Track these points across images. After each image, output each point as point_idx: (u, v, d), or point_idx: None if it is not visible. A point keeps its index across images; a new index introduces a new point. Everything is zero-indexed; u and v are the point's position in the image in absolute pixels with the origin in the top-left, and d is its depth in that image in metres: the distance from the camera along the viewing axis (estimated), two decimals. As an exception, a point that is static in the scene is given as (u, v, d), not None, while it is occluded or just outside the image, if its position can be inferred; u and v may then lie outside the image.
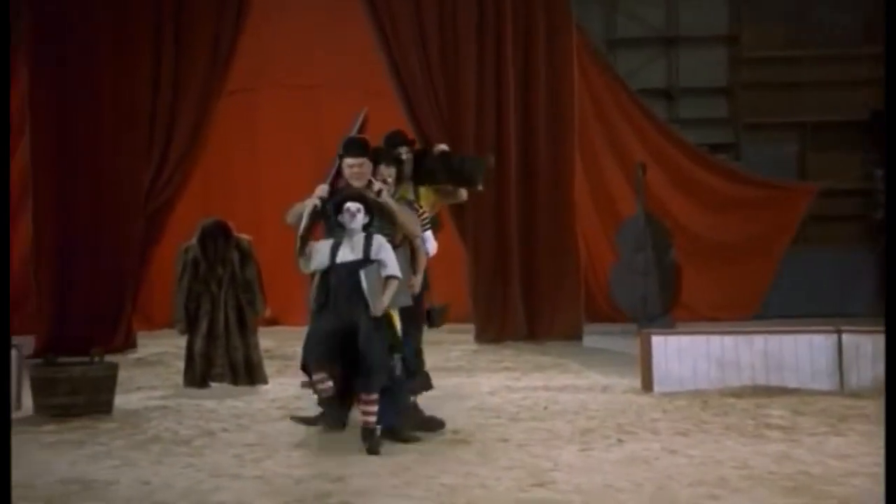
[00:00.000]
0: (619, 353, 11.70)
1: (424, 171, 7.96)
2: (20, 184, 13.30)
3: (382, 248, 7.09)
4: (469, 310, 13.42)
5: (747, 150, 16.15)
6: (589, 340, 13.17)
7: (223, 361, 9.63)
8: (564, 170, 13.60)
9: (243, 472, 6.58)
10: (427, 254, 7.68)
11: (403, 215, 7.37)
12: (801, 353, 9.14)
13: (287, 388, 9.72)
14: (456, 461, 6.71)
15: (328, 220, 7.22)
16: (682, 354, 9.23)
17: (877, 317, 13.23)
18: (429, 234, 7.80)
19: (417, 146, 8.45)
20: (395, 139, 7.99)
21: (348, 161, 7.35)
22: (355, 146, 7.43)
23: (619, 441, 7.29)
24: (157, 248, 12.99)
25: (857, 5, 15.74)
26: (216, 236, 9.72)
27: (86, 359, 8.70)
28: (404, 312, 7.35)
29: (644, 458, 6.74)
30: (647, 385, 9.25)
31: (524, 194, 13.48)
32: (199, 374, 9.66)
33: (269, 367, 10.19)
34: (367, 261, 7.03)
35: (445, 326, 8.33)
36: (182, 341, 9.95)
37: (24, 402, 8.86)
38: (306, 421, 7.85)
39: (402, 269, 7.18)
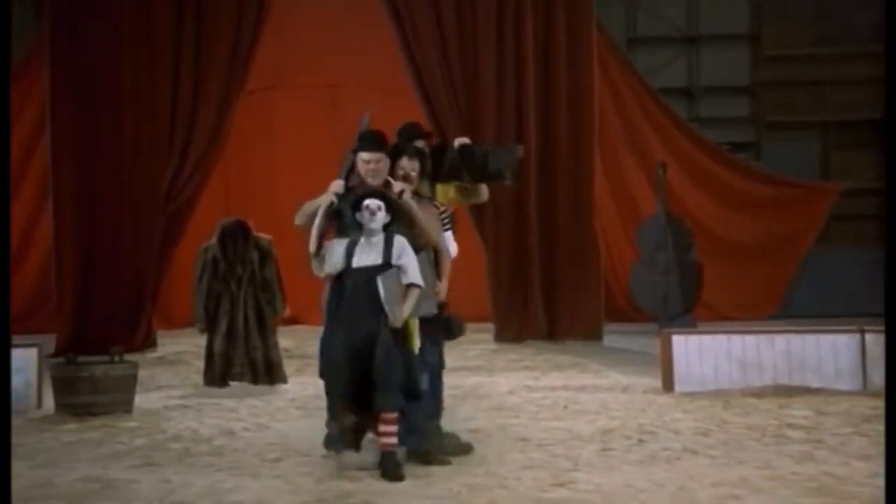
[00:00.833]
0: (639, 352, 11.65)
1: (446, 169, 7.14)
2: (40, 183, 13.36)
3: (405, 251, 6.39)
4: (488, 309, 13.40)
5: (768, 149, 16.08)
6: (609, 340, 13.13)
7: (243, 361, 9.63)
8: (585, 169, 13.58)
9: (263, 471, 6.57)
10: (449, 256, 6.98)
11: (425, 220, 6.66)
12: (824, 352, 9.08)
13: (307, 387, 9.71)
14: (476, 461, 6.68)
15: (342, 219, 6.56)
16: (703, 354, 9.18)
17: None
18: (449, 234, 7.12)
19: (435, 140, 7.87)
20: (411, 132, 7.18)
21: (364, 156, 6.65)
22: (371, 140, 6.73)
23: (640, 441, 7.25)
24: (177, 248, 13.02)
25: (878, 2, 15.64)
26: (236, 236, 9.72)
27: (106, 358, 8.72)
28: (429, 322, 6.66)
29: (665, 458, 6.70)
30: (668, 385, 9.20)
31: (544, 193, 13.46)
32: (218, 374, 9.66)
33: (288, 366, 10.19)
34: (386, 265, 6.35)
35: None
36: (202, 340, 9.96)
37: (45, 400, 8.88)
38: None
39: (424, 274, 6.48)
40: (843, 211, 15.40)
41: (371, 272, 6.33)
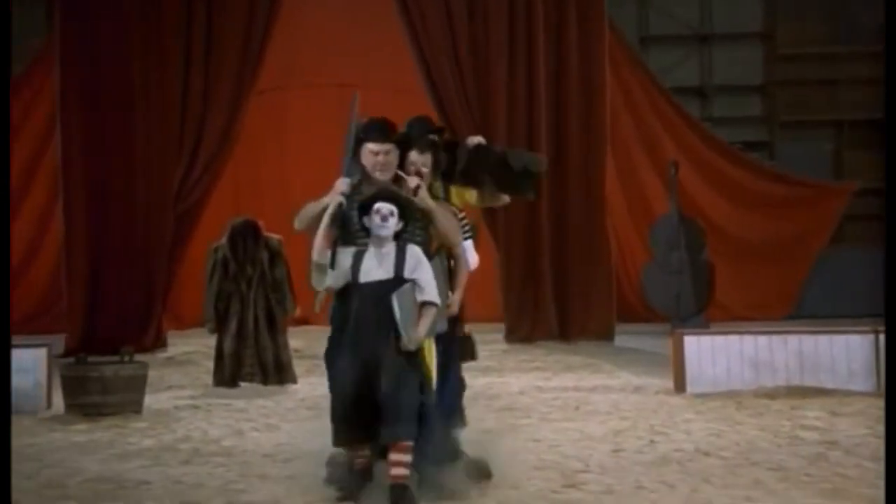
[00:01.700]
0: (651, 353, 11.60)
1: (462, 170, 6.27)
2: (51, 184, 13.37)
3: (420, 264, 5.58)
4: (499, 309, 13.37)
5: (782, 148, 16.01)
6: (621, 340, 13.08)
7: (253, 361, 9.62)
8: (596, 168, 13.54)
9: (273, 471, 6.55)
10: (468, 267, 6.12)
11: (445, 220, 5.85)
12: (838, 353, 9.02)
13: (316, 387, 9.66)
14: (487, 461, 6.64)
15: (348, 224, 5.69)
16: (715, 354, 9.13)
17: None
18: (469, 243, 6.23)
19: (447, 135, 7.10)
20: (421, 127, 6.25)
21: (372, 147, 5.82)
22: (380, 128, 5.88)
23: (652, 442, 7.20)
24: (187, 248, 13.02)
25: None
26: (246, 236, 9.71)
27: (116, 358, 8.71)
28: (443, 339, 5.87)
29: (677, 459, 6.65)
30: (680, 385, 9.15)
31: (556, 192, 13.42)
32: (228, 374, 9.65)
33: (298, 366, 10.17)
34: (398, 280, 5.53)
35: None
36: (212, 341, 9.96)
37: (55, 401, 8.87)
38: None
39: (437, 284, 5.67)
40: (857, 211, 15.31)
41: (381, 288, 5.50)
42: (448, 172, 6.24)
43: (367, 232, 5.61)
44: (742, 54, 16.14)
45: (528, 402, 8.90)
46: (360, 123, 5.99)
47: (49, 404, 8.88)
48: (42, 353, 8.96)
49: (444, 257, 5.95)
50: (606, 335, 13.14)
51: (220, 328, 9.71)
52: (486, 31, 13.39)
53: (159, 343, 12.84)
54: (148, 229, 12.98)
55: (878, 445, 6.99)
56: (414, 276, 5.56)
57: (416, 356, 5.55)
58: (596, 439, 7.33)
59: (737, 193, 15.14)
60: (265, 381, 9.66)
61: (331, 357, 5.77)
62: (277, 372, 9.69)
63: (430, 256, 5.73)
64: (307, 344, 12.11)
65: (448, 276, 5.99)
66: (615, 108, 14.08)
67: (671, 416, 8.11)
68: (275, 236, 9.84)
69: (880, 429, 7.52)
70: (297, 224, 5.91)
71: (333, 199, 5.73)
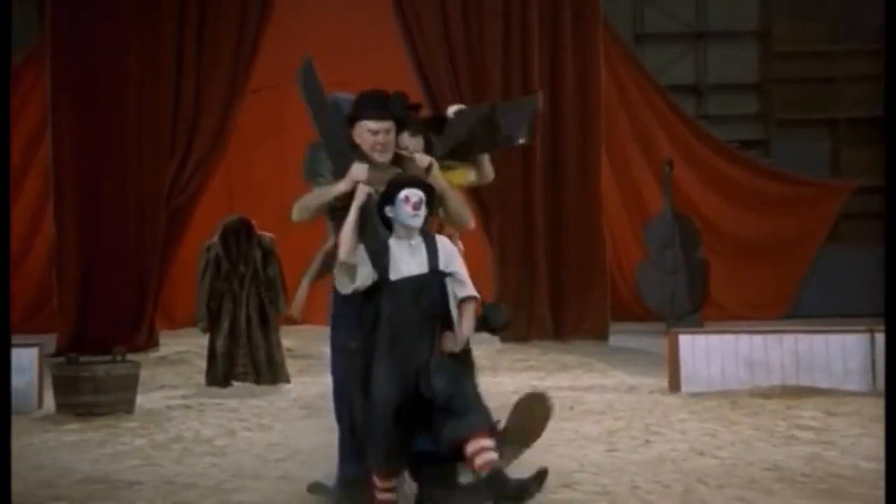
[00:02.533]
0: (646, 352, 11.57)
1: (455, 146, 5.65)
2: (42, 183, 13.32)
3: (453, 256, 5.06)
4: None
5: (778, 146, 15.98)
6: (616, 339, 13.05)
7: (245, 360, 9.59)
8: (591, 166, 13.50)
9: (266, 472, 6.52)
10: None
11: (457, 200, 5.39)
12: (833, 352, 8.99)
13: (310, 387, 9.66)
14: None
15: (367, 217, 5.01)
16: (710, 354, 9.09)
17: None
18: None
19: (424, 111, 6.45)
20: (402, 105, 5.50)
21: (371, 125, 5.15)
22: (379, 103, 5.21)
23: (647, 442, 7.17)
24: (179, 247, 12.98)
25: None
26: (239, 234, 9.68)
27: (108, 358, 8.67)
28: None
29: (672, 458, 6.62)
30: (675, 385, 9.11)
31: (551, 190, 13.39)
32: (221, 374, 9.61)
33: (291, 366, 10.15)
34: (435, 274, 4.97)
35: None
36: (204, 340, 9.93)
37: (46, 400, 8.83)
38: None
39: None
40: (854, 209, 15.29)
41: (419, 285, 4.93)
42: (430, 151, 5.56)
43: (388, 226, 5.01)
44: (738, 52, 16.09)
45: (522, 402, 8.85)
46: (343, 97, 5.50)
47: (40, 404, 8.84)
48: (33, 352, 8.92)
49: (457, 241, 5.43)
50: (601, 334, 13.10)
51: (212, 327, 9.67)
52: (481, 30, 13.34)
53: (151, 342, 12.79)
54: (139, 229, 12.93)
55: (874, 445, 6.96)
56: (451, 270, 5.02)
57: (466, 356, 5.11)
58: (591, 439, 7.30)
59: (733, 191, 15.11)
60: (258, 381, 9.62)
61: (350, 365, 5.07)
62: (270, 371, 9.66)
63: None
64: (300, 343, 12.07)
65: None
66: (610, 106, 14.04)
67: (666, 416, 8.08)
68: (267, 235, 9.81)
69: (876, 428, 7.49)
70: (298, 214, 5.22)
71: (360, 189, 4.98)
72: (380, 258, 4.94)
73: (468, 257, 6.84)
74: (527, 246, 13.37)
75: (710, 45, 16.20)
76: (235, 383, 9.63)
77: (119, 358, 8.66)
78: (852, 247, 15.24)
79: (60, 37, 12.99)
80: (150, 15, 13.03)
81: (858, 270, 14.94)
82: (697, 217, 14.20)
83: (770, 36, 16.04)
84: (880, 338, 8.95)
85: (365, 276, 4.93)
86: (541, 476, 4.81)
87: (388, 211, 4.98)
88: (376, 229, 5.00)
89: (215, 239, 9.70)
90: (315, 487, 5.79)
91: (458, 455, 4.85)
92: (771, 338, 9.16)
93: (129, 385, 8.62)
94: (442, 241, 5.08)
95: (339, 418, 5.52)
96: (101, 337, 11.98)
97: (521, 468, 5.17)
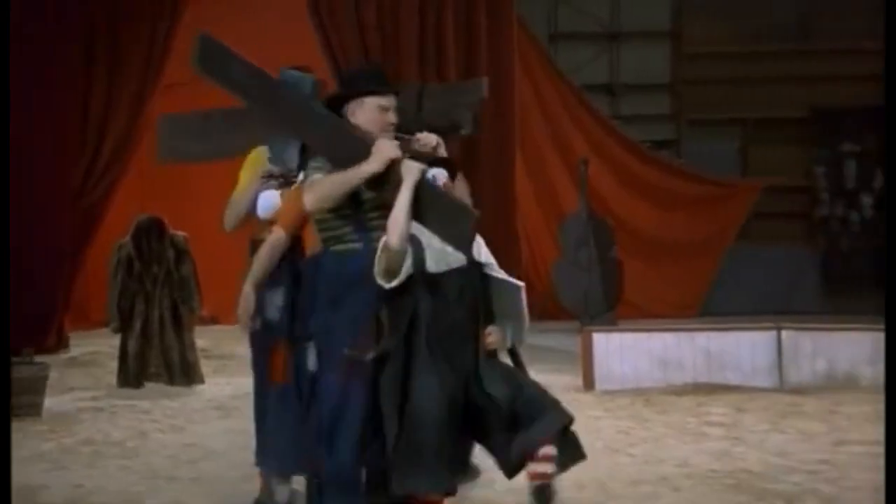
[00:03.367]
0: (560, 350, 11.63)
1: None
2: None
3: (480, 244, 4.51)
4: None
5: (689, 146, 16.20)
6: (531, 337, 13.01)
7: (158, 361, 9.46)
8: (506, 166, 13.53)
9: (179, 473, 6.45)
10: None
11: (462, 183, 4.86)
12: (743, 350, 9.13)
13: (224, 387, 9.57)
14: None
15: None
16: (624, 352, 9.19)
17: (819, 314, 13.41)
18: None
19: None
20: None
21: (381, 102, 4.54)
22: (383, 77, 4.64)
23: (560, 440, 7.20)
24: (92, 246, 12.75)
25: (800, 2, 15.84)
26: (151, 233, 9.55)
27: (16, 360, 8.49)
28: None
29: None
30: (589, 383, 9.19)
31: (466, 191, 13.39)
32: (133, 374, 9.48)
33: (205, 366, 10.03)
34: (473, 265, 4.41)
35: None
36: (116, 340, 9.77)
37: (-49, 404, 8.62)
38: None
39: None
40: (763, 209, 15.55)
41: (461, 279, 4.35)
42: None
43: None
44: (651, 53, 16.29)
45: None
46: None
47: (-55, 407, 8.62)
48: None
49: None
50: (517, 333, 13.14)
51: (124, 327, 9.53)
52: (396, 28, 13.31)
53: (61, 344, 12.53)
54: (48, 228, 12.66)
55: (781, 440, 7.10)
56: (483, 258, 4.45)
57: (514, 353, 4.67)
58: (505, 438, 7.31)
59: (646, 191, 15.28)
60: (171, 382, 9.50)
61: (379, 375, 4.31)
62: (183, 372, 9.54)
63: None
64: (214, 343, 11.95)
65: None
66: (525, 106, 14.11)
67: (580, 414, 8.10)
68: (180, 234, 9.69)
69: (783, 424, 7.65)
70: (317, 204, 4.43)
71: (409, 165, 4.35)
72: (419, 247, 4.32)
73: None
74: (443, 246, 13.37)
75: (624, 46, 16.37)
76: (148, 384, 9.49)
77: (27, 360, 8.48)
78: (761, 246, 15.51)
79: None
80: (58, 11, 12.77)
81: (765, 269, 15.22)
82: (611, 216, 14.35)
83: (681, 37, 16.26)
84: (787, 335, 9.14)
85: (407, 267, 4.27)
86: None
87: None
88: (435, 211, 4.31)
89: (127, 238, 9.56)
90: None
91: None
92: (683, 336, 9.28)
93: (37, 388, 8.45)
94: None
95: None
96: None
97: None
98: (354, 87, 4.56)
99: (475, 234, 4.38)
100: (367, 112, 4.53)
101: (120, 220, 11.36)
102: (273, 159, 5.14)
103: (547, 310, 14.33)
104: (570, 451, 4.58)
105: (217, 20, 14.52)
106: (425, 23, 13.31)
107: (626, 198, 15.22)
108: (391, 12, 13.24)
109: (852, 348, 9.02)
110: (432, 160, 4.50)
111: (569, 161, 14.61)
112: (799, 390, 8.81)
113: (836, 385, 8.87)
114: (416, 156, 4.49)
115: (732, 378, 9.08)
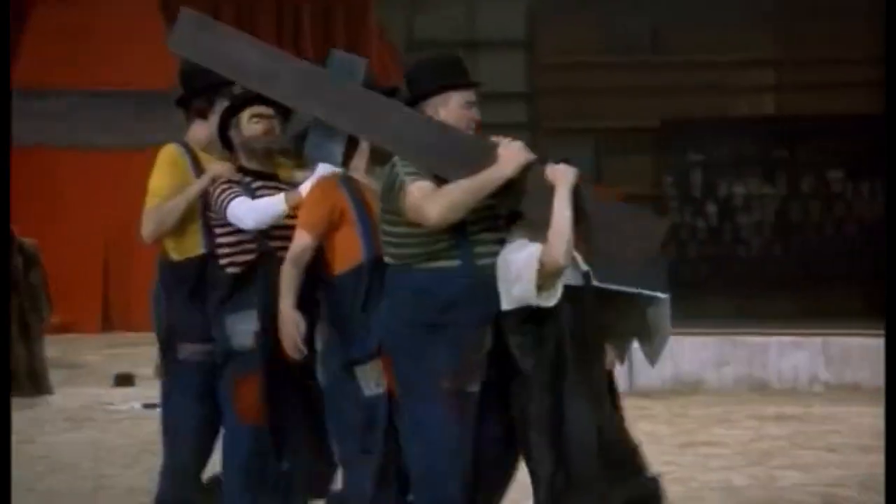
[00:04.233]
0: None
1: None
2: None
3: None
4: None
5: (546, 155, 16.44)
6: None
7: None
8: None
9: (30, 486, 6.29)
10: None
11: None
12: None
13: (74, 398, 9.36)
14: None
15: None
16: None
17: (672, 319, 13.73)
18: None
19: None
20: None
21: (468, 97, 4.14)
22: (463, 66, 4.19)
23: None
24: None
25: (653, 14, 16.22)
26: (-3, 240, 9.28)
27: None
28: None
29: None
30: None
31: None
32: (-25, 384, 9.20)
33: (55, 375, 9.78)
34: (587, 276, 4.09)
35: None
36: (-40, 350, 9.47)
37: None
38: None
39: None
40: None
41: (594, 289, 4.07)
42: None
43: None
44: (506, 61, 16.49)
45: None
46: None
47: None
48: None
49: None
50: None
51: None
52: (253, 28, 13.19)
53: None
54: None
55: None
56: (585, 268, 4.12)
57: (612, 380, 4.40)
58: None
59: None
60: (17, 392, 9.24)
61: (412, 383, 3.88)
62: (31, 382, 9.31)
63: None
64: (63, 352, 11.64)
65: None
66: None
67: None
68: (29, 240, 9.46)
69: (634, 428, 7.82)
70: (448, 212, 3.86)
71: (564, 171, 4.28)
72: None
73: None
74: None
75: (481, 54, 16.53)
76: (-7, 395, 9.23)
77: None
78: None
79: None
80: None
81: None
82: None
83: (536, 46, 16.51)
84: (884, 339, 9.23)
85: (563, 281, 3.87)
86: None
87: None
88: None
89: (-29, 244, 9.28)
90: None
91: None
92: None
93: None
94: None
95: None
96: None
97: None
98: (438, 81, 4.06)
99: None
100: (454, 109, 4.05)
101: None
102: (309, 152, 4.42)
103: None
104: None
105: (62, 25, 14.27)
106: (283, 31, 13.26)
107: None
108: (248, 21, 13.16)
109: (699, 353, 9.30)
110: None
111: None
112: (648, 394, 9.03)
113: (682, 389, 9.13)
114: None
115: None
